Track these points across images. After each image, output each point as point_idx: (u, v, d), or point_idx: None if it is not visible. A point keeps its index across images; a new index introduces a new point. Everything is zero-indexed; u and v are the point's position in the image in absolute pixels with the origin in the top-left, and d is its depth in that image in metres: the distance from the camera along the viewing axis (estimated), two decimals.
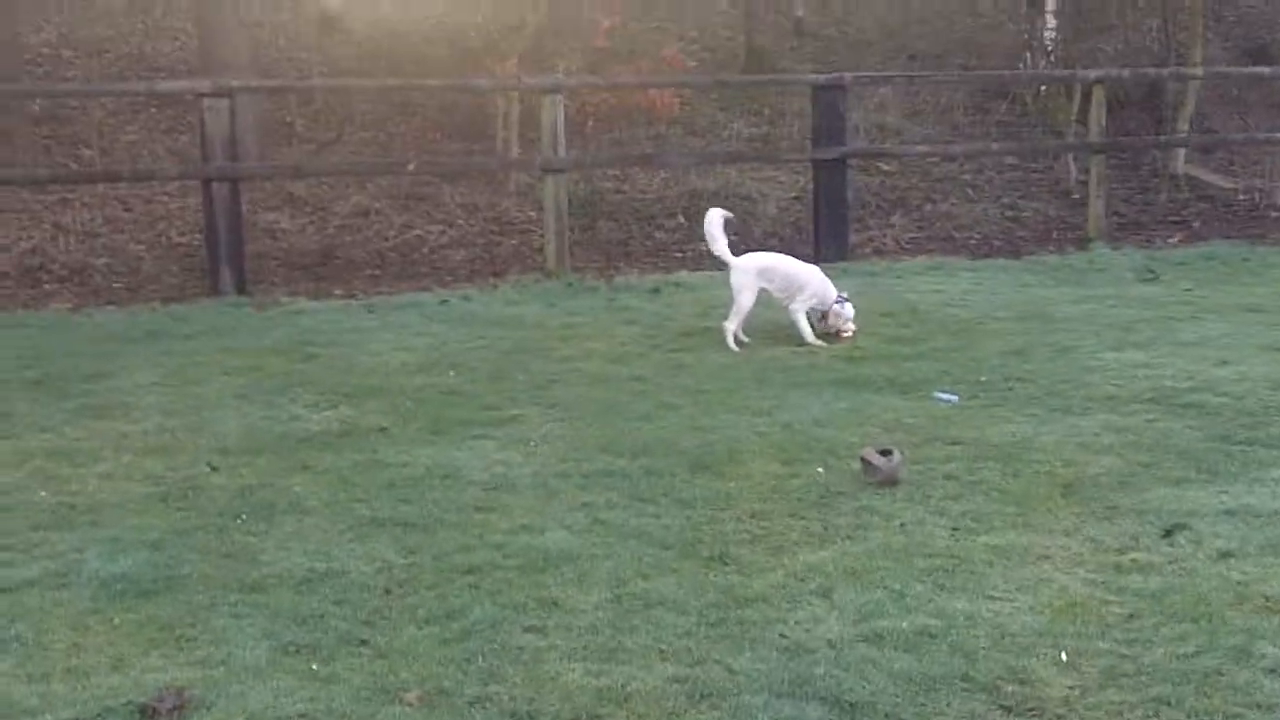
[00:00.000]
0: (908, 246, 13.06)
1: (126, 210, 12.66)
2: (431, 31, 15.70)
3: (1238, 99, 16.73)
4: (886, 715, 3.72)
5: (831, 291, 9.03)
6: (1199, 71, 14.50)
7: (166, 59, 15.74)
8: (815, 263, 9.66)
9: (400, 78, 13.96)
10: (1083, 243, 12.92)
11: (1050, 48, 16.31)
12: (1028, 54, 16.42)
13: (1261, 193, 14.76)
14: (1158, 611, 4.42)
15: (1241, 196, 14.83)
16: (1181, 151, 15.05)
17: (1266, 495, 5.63)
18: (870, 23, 18.62)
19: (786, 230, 13.24)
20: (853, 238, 12.83)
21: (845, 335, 8.99)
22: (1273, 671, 3.97)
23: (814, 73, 14.40)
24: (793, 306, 8.98)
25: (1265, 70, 15.43)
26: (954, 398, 7.44)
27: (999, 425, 6.83)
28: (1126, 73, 14.61)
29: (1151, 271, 11.69)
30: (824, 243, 12.18)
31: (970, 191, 14.45)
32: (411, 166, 12.34)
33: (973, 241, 13.32)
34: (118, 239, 12.16)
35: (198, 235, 11.69)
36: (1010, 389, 7.66)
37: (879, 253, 12.74)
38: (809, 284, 9.02)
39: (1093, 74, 13.45)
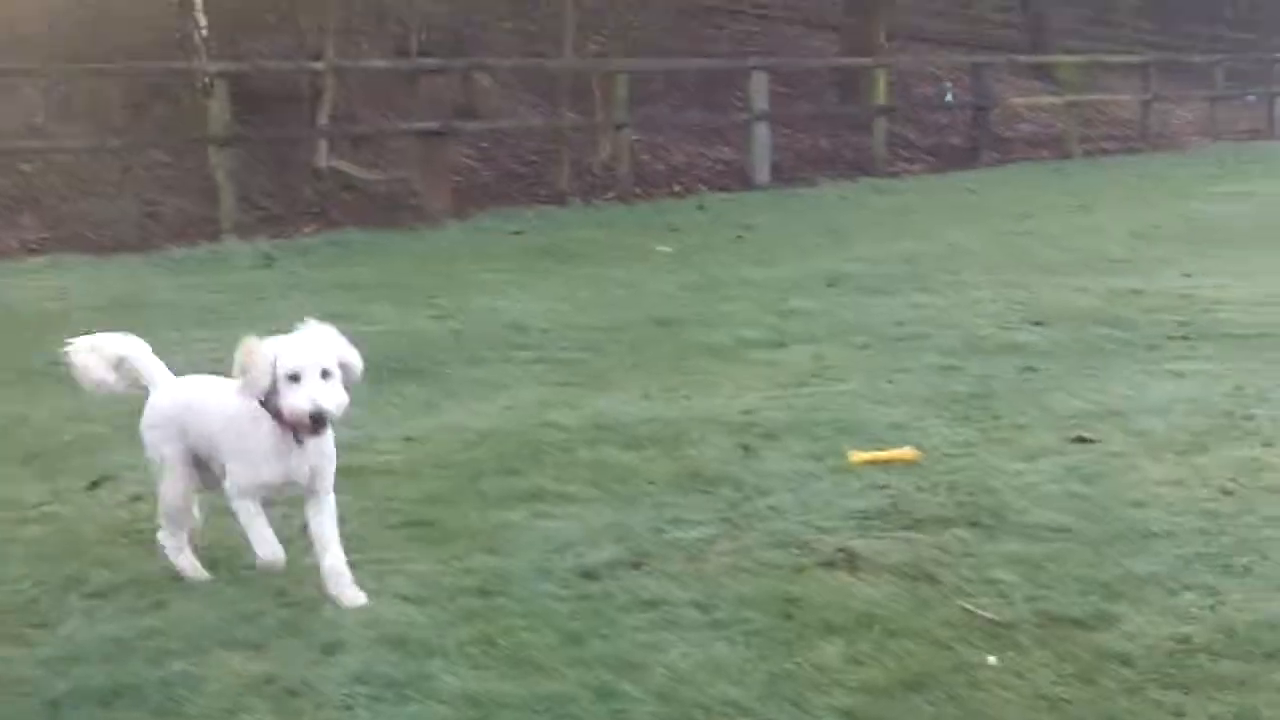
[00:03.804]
0: (34, 247, 12.77)
1: None
2: None
3: (386, 96, 17.71)
4: None
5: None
6: (320, 66, 15.21)
7: None
8: None
9: None
10: (216, 236, 13.22)
11: (204, 47, 16.44)
12: (181, 52, 16.46)
13: (402, 182, 15.73)
14: None
15: (383, 188, 15.73)
16: (324, 146, 15.72)
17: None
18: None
19: None
20: None
21: None
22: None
23: None
24: None
25: (382, 64, 16.44)
26: None
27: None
28: (233, 66, 14.66)
29: (270, 258, 12.18)
30: None
31: (113, 190, 14.35)
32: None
33: (106, 239, 13.26)
34: None
35: None
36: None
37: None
38: None
39: (214, 67, 13.74)
